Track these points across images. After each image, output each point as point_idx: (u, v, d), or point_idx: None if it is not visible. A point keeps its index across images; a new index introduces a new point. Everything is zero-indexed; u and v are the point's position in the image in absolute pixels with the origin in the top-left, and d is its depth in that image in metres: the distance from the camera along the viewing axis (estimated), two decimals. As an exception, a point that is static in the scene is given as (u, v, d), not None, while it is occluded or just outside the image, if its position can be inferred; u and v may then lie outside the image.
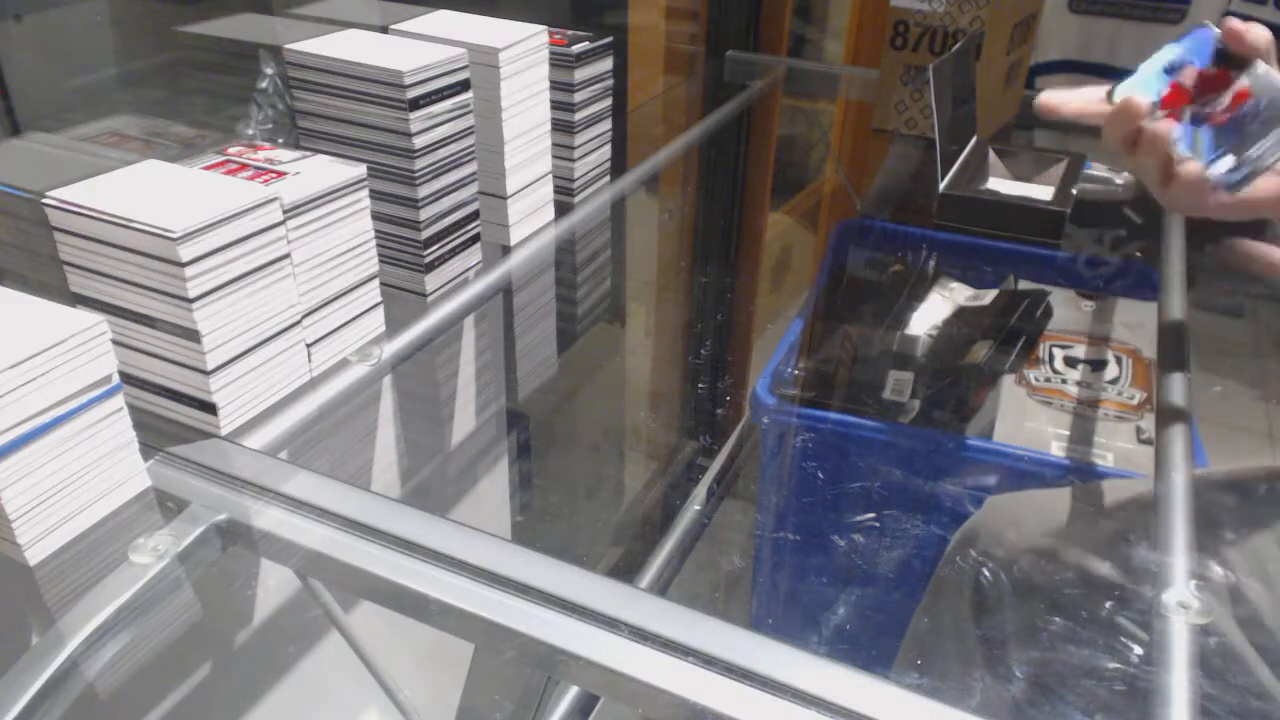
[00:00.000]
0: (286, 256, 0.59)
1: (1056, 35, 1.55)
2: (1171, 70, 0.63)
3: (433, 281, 0.76)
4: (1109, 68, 1.56)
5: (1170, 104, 0.63)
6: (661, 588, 0.64)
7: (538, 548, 0.50)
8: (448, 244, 0.76)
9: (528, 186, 0.85)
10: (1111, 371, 1.03)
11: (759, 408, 0.96)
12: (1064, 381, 1.02)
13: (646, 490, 1.36)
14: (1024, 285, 1.16)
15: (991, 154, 1.10)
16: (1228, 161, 0.61)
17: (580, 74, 0.89)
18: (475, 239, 0.79)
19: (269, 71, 0.73)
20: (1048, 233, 1.01)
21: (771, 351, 1.03)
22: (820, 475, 0.95)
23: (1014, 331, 1.06)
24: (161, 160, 0.61)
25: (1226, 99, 0.62)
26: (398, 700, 0.63)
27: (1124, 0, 1.51)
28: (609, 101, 0.95)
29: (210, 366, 0.56)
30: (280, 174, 0.62)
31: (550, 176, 0.88)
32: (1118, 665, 0.63)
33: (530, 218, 0.86)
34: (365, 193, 0.65)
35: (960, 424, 0.99)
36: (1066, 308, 1.13)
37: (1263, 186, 0.61)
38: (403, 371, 0.70)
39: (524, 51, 0.79)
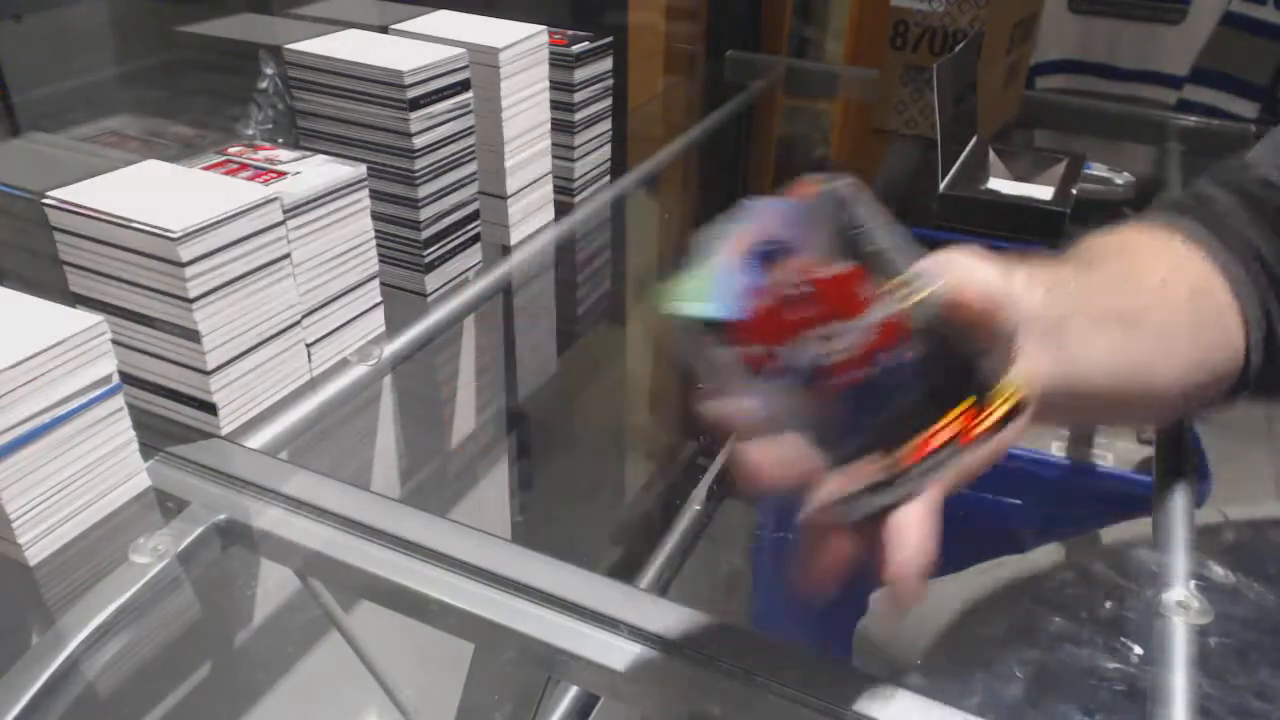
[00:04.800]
0: (286, 256, 0.59)
1: (1056, 35, 1.54)
2: (769, 257, 0.30)
3: (433, 281, 0.76)
4: (1109, 67, 1.56)
5: (755, 336, 0.30)
6: (661, 588, 0.64)
7: (538, 548, 0.50)
8: (448, 244, 0.76)
9: (528, 186, 0.85)
10: (1111, 371, 1.03)
11: (759, 408, 0.95)
12: (1064, 381, 1.02)
13: (646, 490, 1.36)
14: (1024, 285, 1.16)
15: (991, 154, 1.10)
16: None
17: (580, 74, 0.89)
18: (475, 239, 0.79)
19: (269, 71, 0.73)
20: (1048, 233, 1.01)
21: (772, 351, 1.03)
22: (820, 475, 0.95)
23: (1014, 331, 1.06)
24: (161, 160, 0.61)
25: (858, 334, 0.30)
26: (398, 700, 0.63)
27: (1124, 0, 1.51)
28: (609, 101, 0.95)
29: (210, 366, 0.56)
30: (280, 174, 0.62)
31: (550, 176, 0.88)
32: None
33: (530, 218, 0.86)
34: (365, 193, 0.65)
35: (960, 424, 0.99)
36: (1066, 308, 1.13)
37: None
38: (403, 371, 0.70)
39: (524, 51, 0.79)
